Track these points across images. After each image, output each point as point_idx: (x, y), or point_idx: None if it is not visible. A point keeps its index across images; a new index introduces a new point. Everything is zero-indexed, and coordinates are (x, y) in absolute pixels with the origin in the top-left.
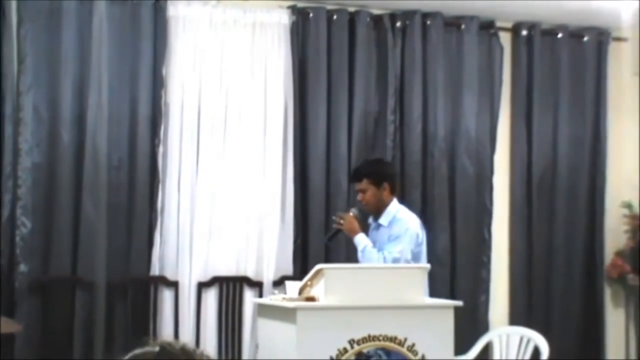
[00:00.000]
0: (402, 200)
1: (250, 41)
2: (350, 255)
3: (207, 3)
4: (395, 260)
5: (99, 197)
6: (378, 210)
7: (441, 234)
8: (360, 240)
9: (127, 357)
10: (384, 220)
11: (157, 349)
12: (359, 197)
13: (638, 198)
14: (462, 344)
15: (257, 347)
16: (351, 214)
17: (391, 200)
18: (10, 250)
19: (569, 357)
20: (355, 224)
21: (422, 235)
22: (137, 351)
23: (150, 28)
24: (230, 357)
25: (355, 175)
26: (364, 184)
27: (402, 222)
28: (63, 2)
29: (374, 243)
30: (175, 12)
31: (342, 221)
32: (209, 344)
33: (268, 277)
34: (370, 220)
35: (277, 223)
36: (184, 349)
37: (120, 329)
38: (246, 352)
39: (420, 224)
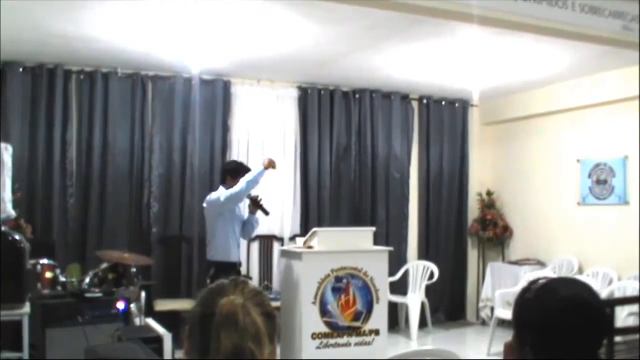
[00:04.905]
0: (359, 193)
1: (275, 106)
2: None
3: (252, 84)
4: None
5: (193, 191)
6: None
7: (381, 211)
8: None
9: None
10: None
11: (229, 280)
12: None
13: (485, 191)
14: (392, 271)
15: (281, 274)
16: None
17: None
18: (147, 221)
19: (448, 277)
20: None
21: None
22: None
23: (222, 97)
24: (266, 280)
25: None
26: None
27: None
28: (176, 84)
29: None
30: (235, 89)
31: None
32: (255, 272)
33: (286, 235)
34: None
35: (291, 205)
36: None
37: (205, 265)
38: (275, 276)
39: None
